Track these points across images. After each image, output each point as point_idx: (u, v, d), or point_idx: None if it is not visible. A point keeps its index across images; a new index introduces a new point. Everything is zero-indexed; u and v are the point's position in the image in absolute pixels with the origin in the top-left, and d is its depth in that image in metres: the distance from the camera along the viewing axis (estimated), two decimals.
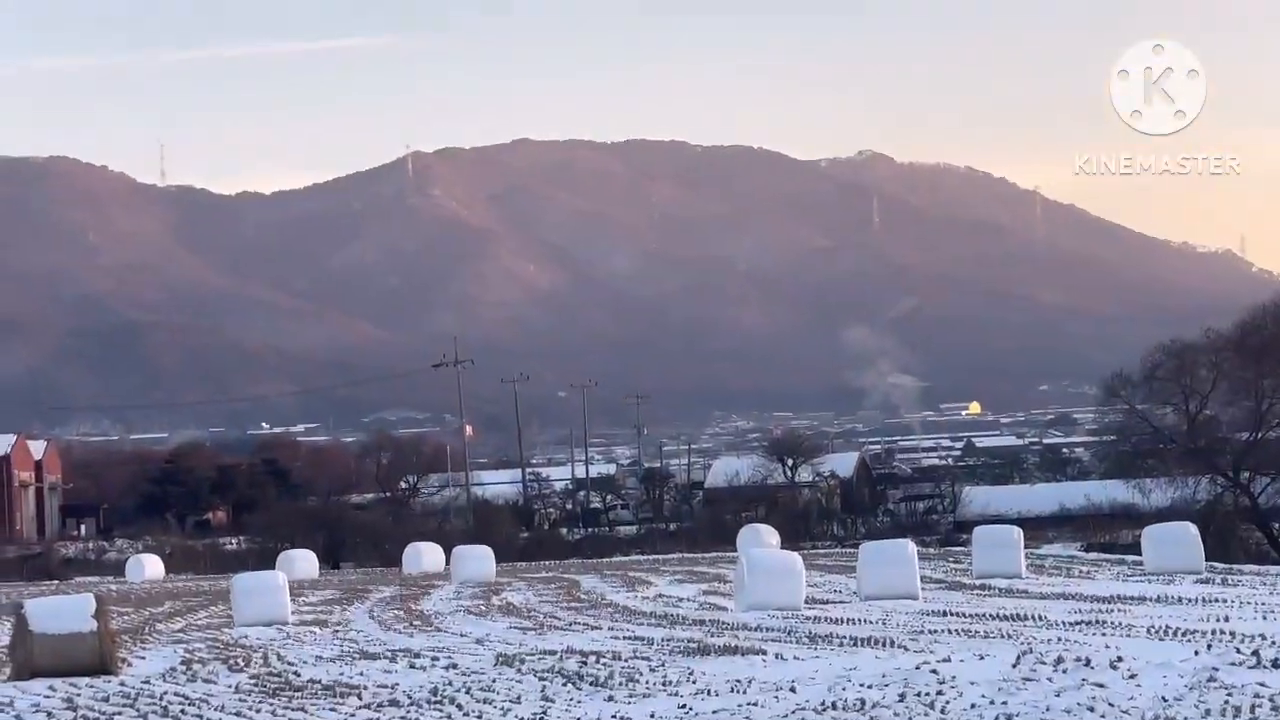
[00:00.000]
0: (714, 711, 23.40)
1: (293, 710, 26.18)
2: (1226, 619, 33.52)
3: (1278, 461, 67.42)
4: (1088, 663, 27.02)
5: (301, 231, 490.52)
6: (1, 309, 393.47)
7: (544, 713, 24.24)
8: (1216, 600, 38.84)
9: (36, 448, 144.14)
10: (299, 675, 31.63)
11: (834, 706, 23.24)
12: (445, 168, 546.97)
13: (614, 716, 23.37)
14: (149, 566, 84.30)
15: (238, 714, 26.16)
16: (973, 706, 22.61)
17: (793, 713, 22.87)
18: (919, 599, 42.63)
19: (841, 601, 43.70)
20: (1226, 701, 21.75)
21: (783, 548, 56.89)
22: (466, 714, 24.58)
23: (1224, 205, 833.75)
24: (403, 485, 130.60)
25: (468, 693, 27.19)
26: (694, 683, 26.97)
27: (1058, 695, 23.43)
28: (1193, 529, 52.54)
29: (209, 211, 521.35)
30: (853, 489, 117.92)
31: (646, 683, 27.30)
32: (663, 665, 29.93)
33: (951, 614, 38.33)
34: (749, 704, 24.09)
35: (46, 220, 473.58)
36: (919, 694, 24.16)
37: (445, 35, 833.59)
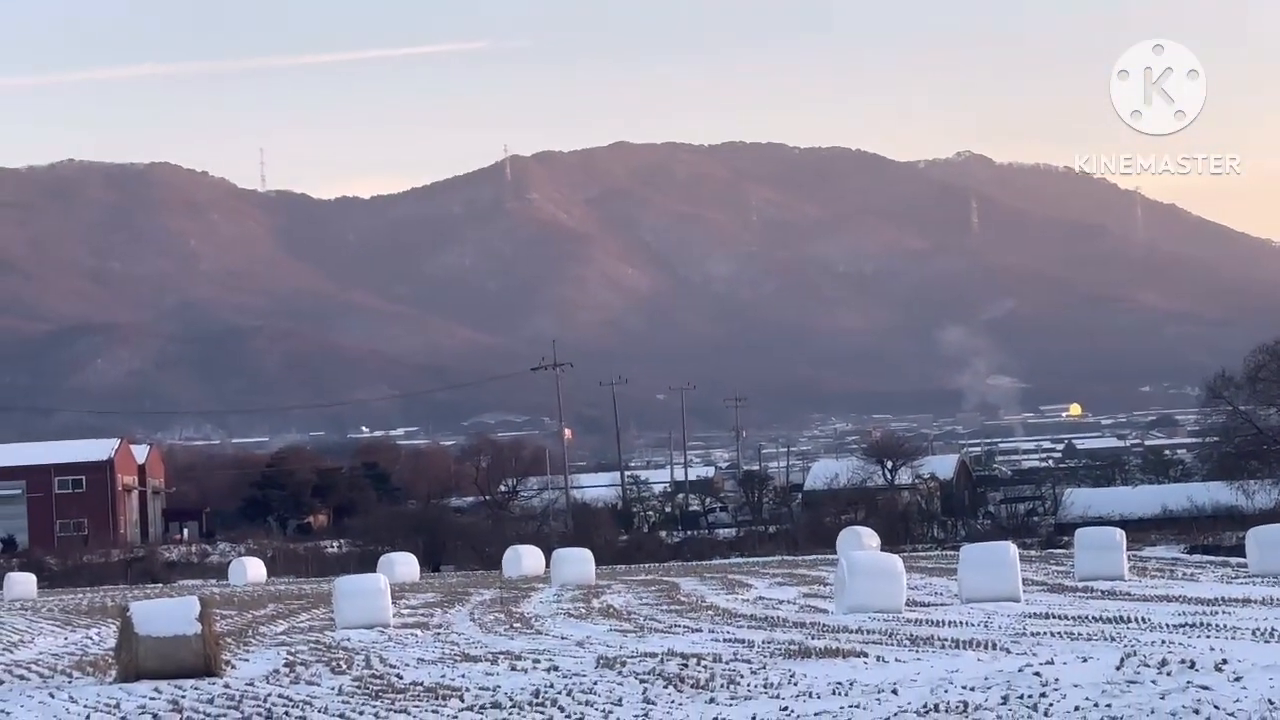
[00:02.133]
0: (815, 714, 23.36)
1: (395, 712, 26.26)
2: None
3: None
4: (1192, 665, 26.85)
5: (400, 236, 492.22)
6: (105, 315, 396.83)
7: (645, 715, 24.24)
8: None
9: (140, 452, 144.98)
10: (401, 678, 31.73)
11: (936, 709, 23.17)
12: (543, 171, 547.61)
13: (715, 719, 23.39)
14: (251, 569, 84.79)
15: (341, 716, 26.27)
16: (1076, 709, 22.50)
17: (895, 715, 22.81)
18: (1020, 601, 42.42)
19: (942, 604, 43.51)
20: None
21: (883, 550, 56.67)
22: (568, 716, 24.60)
23: None
24: (502, 488, 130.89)
25: (569, 695, 27.21)
26: (795, 685, 26.93)
27: (1162, 698, 23.27)
28: None
29: (308, 216, 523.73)
30: (953, 491, 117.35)
31: (748, 685, 27.27)
32: (763, 668, 29.89)
33: (1054, 616, 38.13)
34: (850, 706, 24.04)
35: (148, 226, 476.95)
36: (1021, 696, 24.06)
37: (541, 39, 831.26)
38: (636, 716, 24.23)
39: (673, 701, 25.83)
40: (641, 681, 28.66)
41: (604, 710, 25.08)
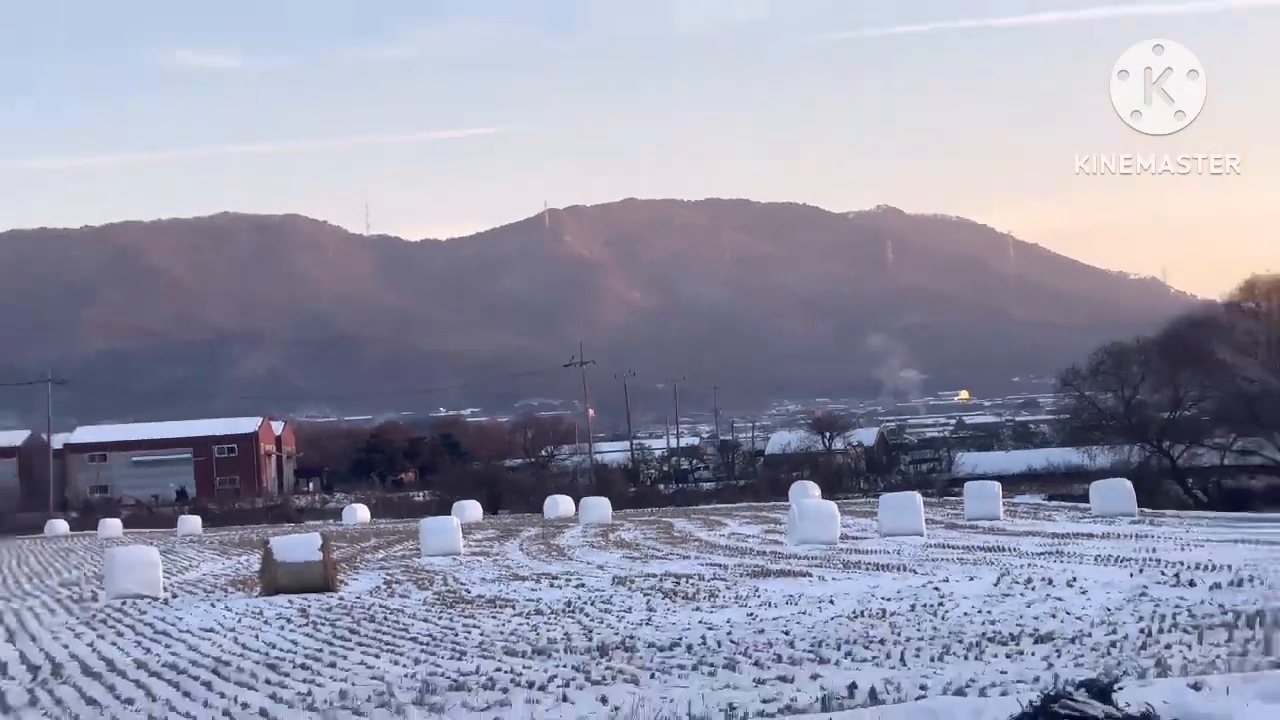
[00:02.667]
0: (774, 618, 23.38)
1: (464, 618, 26.25)
2: (1154, 550, 33.30)
3: (1190, 433, 66.67)
4: (1050, 582, 26.94)
5: (467, 267, 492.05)
6: (250, 326, 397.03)
7: (648, 619, 24.26)
8: (1146, 537, 38.50)
9: (276, 427, 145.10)
10: (469, 592, 31.79)
11: (862, 615, 23.21)
12: (572, 220, 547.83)
13: (700, 622, 23.38)
14: (359, 513, 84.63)
15: (425, 620, 26.28)
16: (965, 614, 22.56)
17: (832, 619, 22.83)
18: (923, 536, 42.39)
19: (866, 538, 43.51)
20: (1154, 610, 21.66)
21: (823, 498, 56.51)
22: (592, 619, 24.62)
23: (1149, 242, 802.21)
24: (542, 453, 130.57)
25: (592, 604, 27.31)
26: (758, 597, 26.98)
27: (1028, 606, 23.35)
28: (1127, 484, 52.07)
29: (400, 253, 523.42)
30: (874, 455, 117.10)
31: (723, 597, 27.32)
32: (735, 584, 29.94)
33: (948, 546, 38.11)
34: (800, 613, 24.07)
35: (282, 261, 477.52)
36: (925, 605, 24.11)
37: (573, 122, 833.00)
38: (642, 620, 24.26)
39: (668, 609, 25.91)
40: (645, 595, 28.76)
41: (618, 615, 25.14)
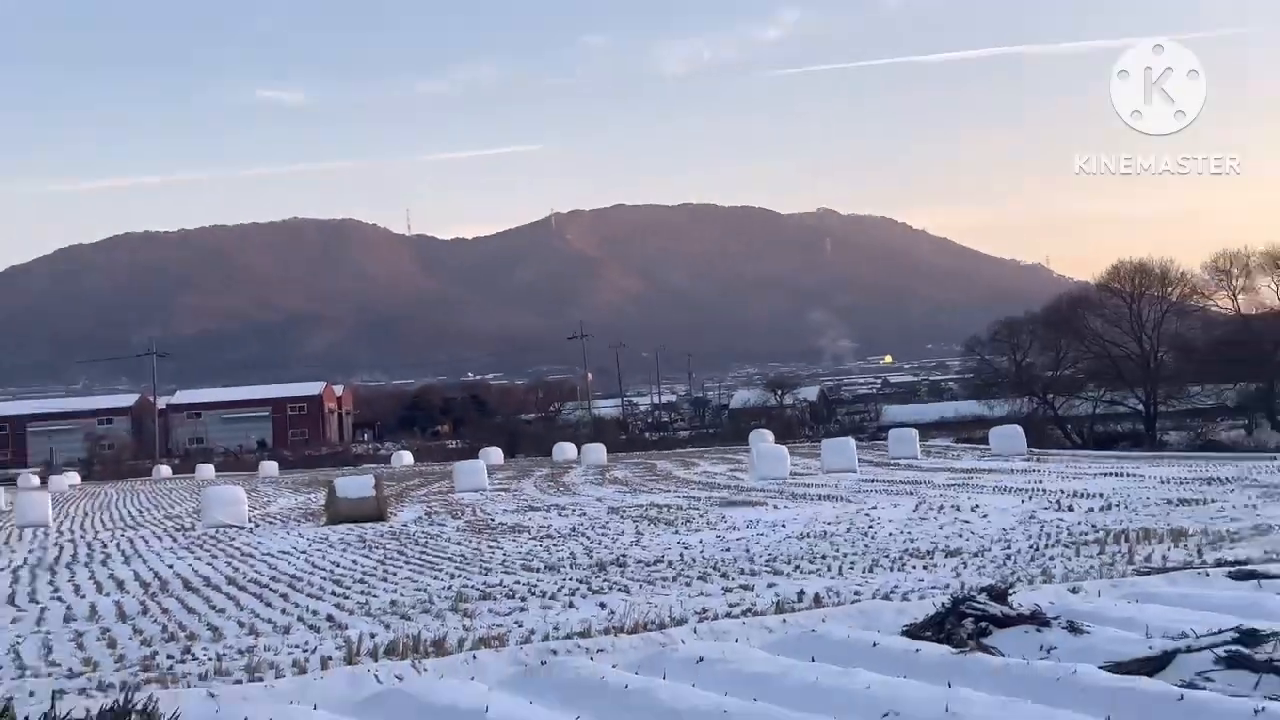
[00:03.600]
0: (737, 539, 23.43)
1: (489, 540, 26.30)
2: (1040, 482, 33.38)
3: (1068, 388, 66.80)
4: (957, 509, 27.00)
5: (491, 260, 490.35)
6: (315, 309, 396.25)
7: (637, 541, 24.31)
8: (1034, 471, 38.58)
9: (337, 390, 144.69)
10: (493, 520, 31.80)
11: (808, 536, 23.24)
12: (573, 222, 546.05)
13: (678, 543, 23.41)
14: (405, 458, 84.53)
15: (459, 543, 26.32)
16: (890, 535, 22.61)
17: (784, 540, 22.87)
18: (856, 472, 42.42)
19: (811, 474, 43.54)
20: (1040, 530, 21.74)
21: (776, 443, 56.53)
22: (593, 541, 24.66)
23: (1037, 234, 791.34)
24: (551, 408, 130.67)
25: (592, 529, 27.34)
26: (725, 522, 27.02)
27: (940, 528, 23.39)
28: (1019, 429, 52.23)
29: (435, 249, 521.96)
30: (817, 408, 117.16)
31: (696, 523, 27.36)
32: (706, 512, 29.98)
33: (876, 481, 38.15)
34: (758, 534, 24.12)
35: (341, 257, 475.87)
36: (858, 528, 24.14)
37: (572, 143, 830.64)
38: (632, 541, 24.31)
39: (653, 532, 25.94)
40: (634, 521, 28.79)
41: (613, 538, 25.18)
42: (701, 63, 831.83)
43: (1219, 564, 15.60)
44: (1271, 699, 8.53)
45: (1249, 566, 14.94)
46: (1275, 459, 38.73)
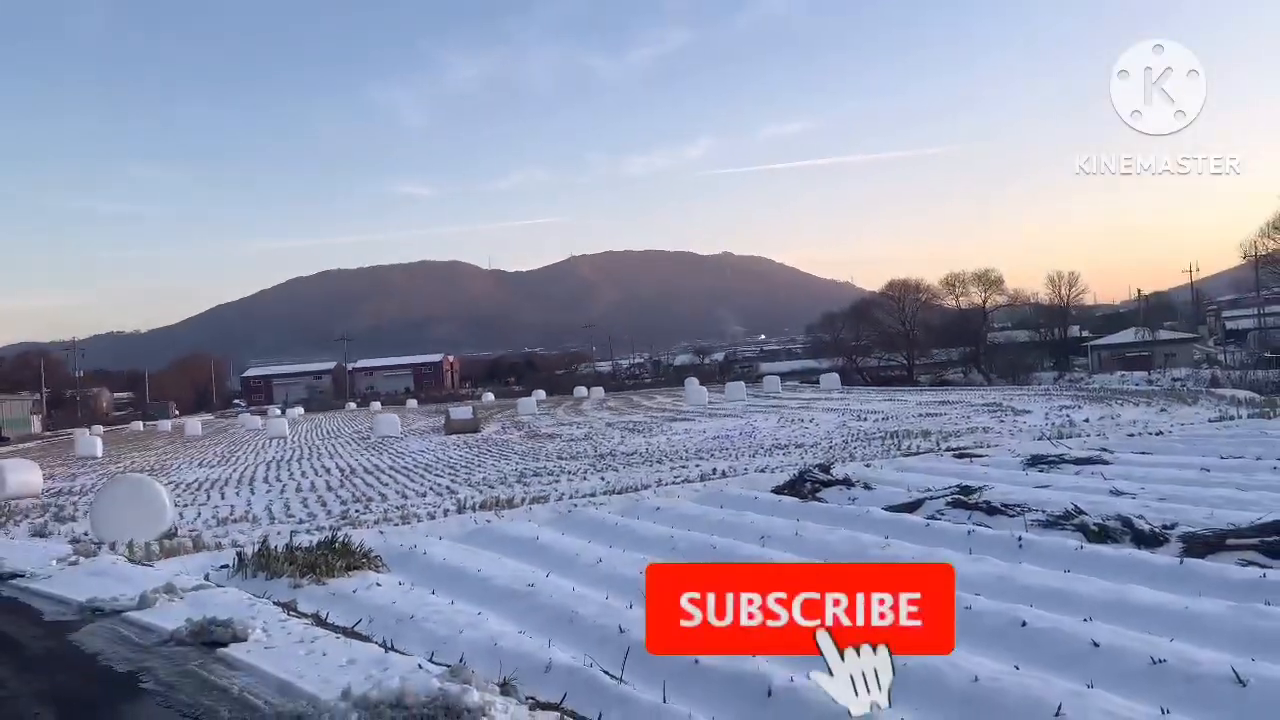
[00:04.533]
0: (679, 440, 23.35)
1: (539, 443, 26.10)
2: (849, 405, 33.25)
3: (865, 352, 66.68)
4: (802, 420, 26.92)
5: (536, 286, 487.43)
6: (431, 314, 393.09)
7: (622, 441, 24.22)
8: (845, 399, 38.51)
9: (450, 359, 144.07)
10: (540, 431, 31.62)
11: (719, 437, 23.18)
12: (586, 263, 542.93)
13: (645, 442, 23.31)
14: (489, 398, 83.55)
15: (519, 444, 26.22)
16: (765, 435, 22.54)
17: (705, 440, 22.77)
18: (745, 401, 42.08)
19: (721, 404, 43.43)
20: (849, 432, 21.68)
21: (700, 385, 56.35)
22: (595, 442, 24.55)
23: (841, 251, 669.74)
24: (573, 367, 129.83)
25: (597, 435, 27.22)
26: (671, 430, 26.98)
27: (794, 431, 23.32)
28: (836, 376, 52.26)
29: (506, 279, 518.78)
30: (723, 365, 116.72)
31: (655, 431, 27.27)
32: (661, 425, 29.91)
33: (756, 406, 38.05)
34: (690, 437, 24.02)
35: (448, 288, 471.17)
36: (745, 433, 24.05)
37: (582, 215, 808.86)
38: (619, 442, 24.17)
39: (631, 437, 25.80)
40: (621, 431, 28.66)
41: (609, 440, 25.07)
42: (654, 169, 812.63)
43: (948, 450, 15.70)
44: (978, 525, 8.66)
45: (965, 450, 15.07)
46: (979, 389, 38.94)
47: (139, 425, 64.58)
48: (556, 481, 15.62)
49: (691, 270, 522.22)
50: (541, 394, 75.11)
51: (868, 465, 13.66)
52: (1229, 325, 59.81)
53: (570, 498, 12.75)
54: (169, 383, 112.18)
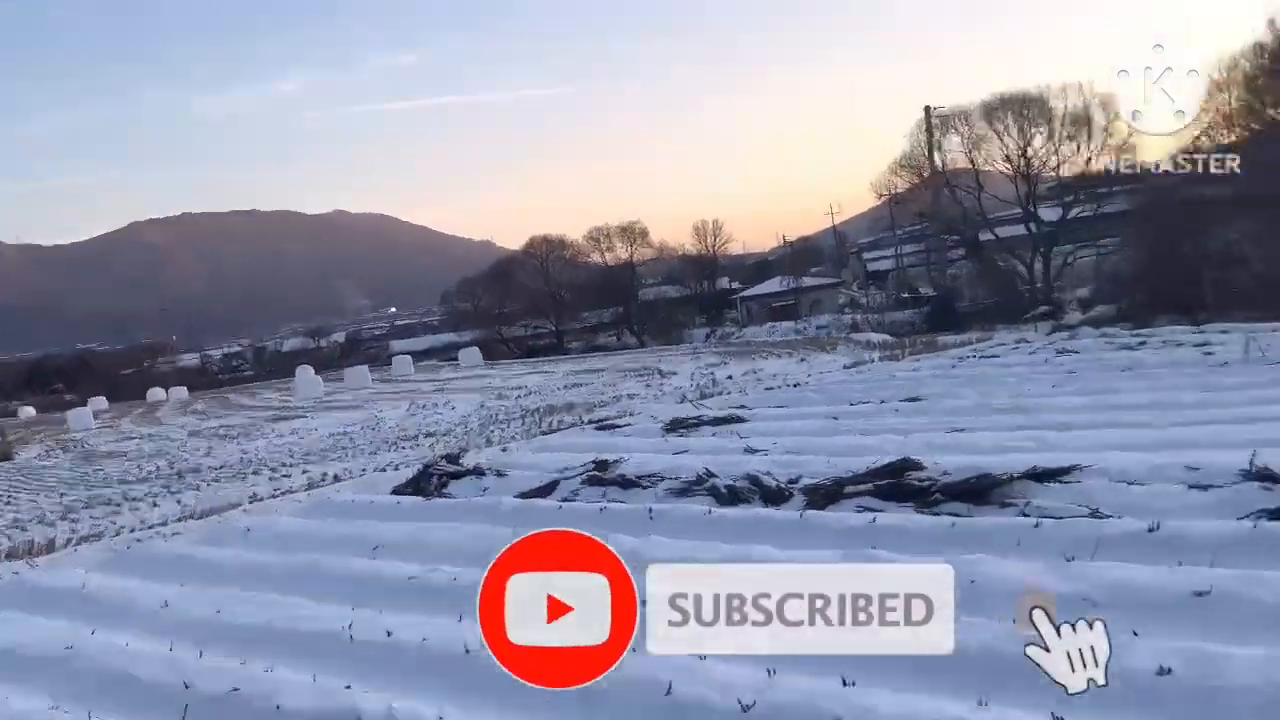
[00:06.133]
0: (283, 443, 22.40)
1: (93, 467, 23.70)
2: (491, 382, 33.72)
3: (509, 320, 67.66)
4: (436, 405, 27.06)
5: (92, 263, 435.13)
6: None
7: (209, 452, 22.77)
8: (487, 376, 38.64)
9: None
10: (98, 451, 28.62)
11: (335, 434, 22.50)
12: (155, 229, 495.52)
13: (240, 450, 22.17)
14: (27, 411, 73.40)
15: (70, 470, 23.56)
16: (391, 428, 22.29)
17: (317, 440, 22.08)
18: (371, 389, 40.75)
19: (341, 394, 41.76)
20: (488, 414, 22.20)
21: (314, 375, 53.62)
22: (173, 457, 22.80)
23: (479, 207, 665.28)
24: (145, 364, 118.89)
25: (176, 449, 25.29)
26: (275, 432, 25.82)
27: (425, 419, 23.35)
28: (478, 350, 52.60)
29: (48, 256, 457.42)
30: (346, 348, 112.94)
31: (254, 435, 25.96)
32: (262, 426, 28.44)
33: (384, 393, 36.96)
34: (299, 439, 23.16)
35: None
36: (369, 426, 23.59)
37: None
38: (205, 453, 22.78)
39: (222, 446, 24.42)
40: (207, 439, 27.01)
41: (192, 453, 23.50)
42: (235, 109, 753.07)
43: (591, 422, 16.65)
44: (613, 501, 9.31)
45: (608, 421, 16.09)
46: (631, 353, 41.66)
47: None
48: (117, 513, 14.25)
49: (298, 233, 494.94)
50: (102, 402, 67.69)
51: (504, 449, 14.11)
52: (870, 267, 65.91)
53: (133, 531, 11.73)
54: None
